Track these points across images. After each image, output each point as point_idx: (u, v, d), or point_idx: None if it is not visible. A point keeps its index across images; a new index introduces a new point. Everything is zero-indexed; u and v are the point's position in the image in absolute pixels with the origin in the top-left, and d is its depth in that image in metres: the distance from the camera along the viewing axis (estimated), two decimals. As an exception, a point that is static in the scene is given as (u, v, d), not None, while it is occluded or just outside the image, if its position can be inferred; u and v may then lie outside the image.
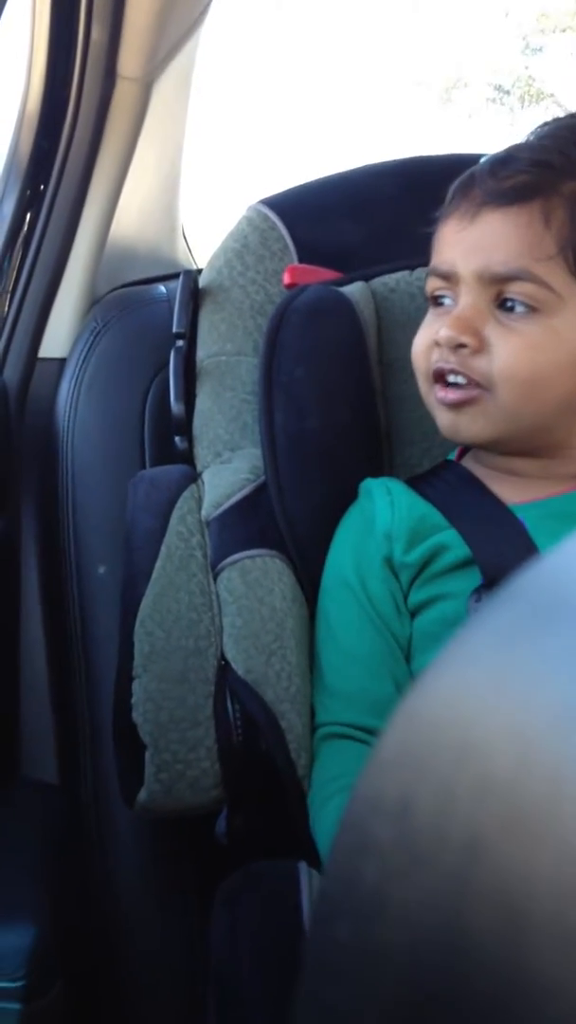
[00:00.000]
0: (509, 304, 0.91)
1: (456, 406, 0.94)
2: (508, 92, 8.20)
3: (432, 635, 0.94)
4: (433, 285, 0.97)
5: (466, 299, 0.93)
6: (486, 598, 0.91)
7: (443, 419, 0.96)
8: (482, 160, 0.97)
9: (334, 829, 0.87)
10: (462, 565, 0.94)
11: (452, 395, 0.94)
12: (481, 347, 0.92)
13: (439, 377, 0.95)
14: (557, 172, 0.91)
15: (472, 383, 0.93)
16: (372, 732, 0.93)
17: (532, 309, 0.91)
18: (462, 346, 0.92)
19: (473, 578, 0.93)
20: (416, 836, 0.25)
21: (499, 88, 8.16)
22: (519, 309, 0.91)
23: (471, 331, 0.92)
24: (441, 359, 0.94)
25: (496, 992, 0.21)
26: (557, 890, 0.21)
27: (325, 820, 0.91)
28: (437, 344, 0.94)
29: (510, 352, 0.91)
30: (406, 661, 0.95)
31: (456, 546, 0.95)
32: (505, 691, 0.25)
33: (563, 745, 0.23)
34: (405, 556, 0.95)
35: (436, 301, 0.97)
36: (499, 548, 0.93)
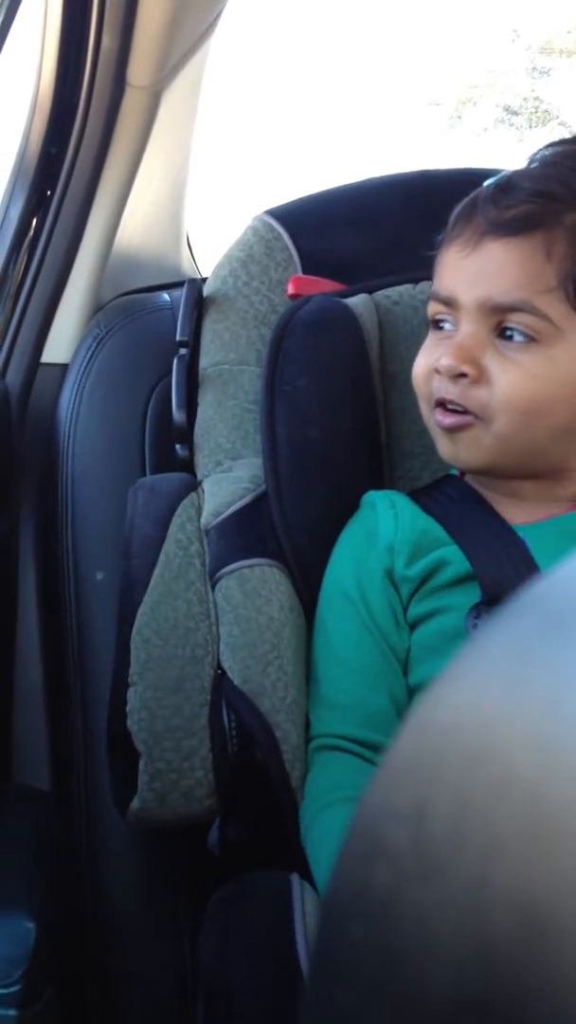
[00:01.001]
0: (508, 333, 0.92)
1: (453, 431, 0.94)
2: (517, 113, 8.27)
3: (430, 648, 0.94)
4: (434, 309, 0.97)
5: (467, 328, 0.93)
6: (485, 615, 0.91)
7: (443, 446, 0.97)
8: (485, 184, 0.97)
9: (325, 843, 0.87)
10: (462, 580, 0.94)
11: (449, 419, 0.94)
12: (480, 377, 0.92)
13: (439, 404, 0.95)
14: (559, 203, 0.92)
15: (470, 411, 0.93)
16: (366, 745, 0.93)
17: (531, 339, 0.91)
18: (462, 375, 0.92)
19: (472, 593, 0.93)
20: (431, 841, 0.25)
21: (508, 109, 8.24)
22: (518, 339, 0.91)
23: (471, 361, 0.92)
24: (442, 388, 0.94)
25: (516, 994, 0.21)
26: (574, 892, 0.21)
27: (317, 832, 0.91)
28: (437, 372, 0.94)
29: (509, 383, 0.91)
30: (403, 674, 0.95)
31: (457, 561, 0.95)
32: (523, 698, 0.25)
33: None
34: (406, 570, 0.95)
35: (436, 325, 0.98)
36: (500, 565, 0.94)
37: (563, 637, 0.27)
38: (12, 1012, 0.77)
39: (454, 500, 1.01)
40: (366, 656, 0.95)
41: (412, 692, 0.95)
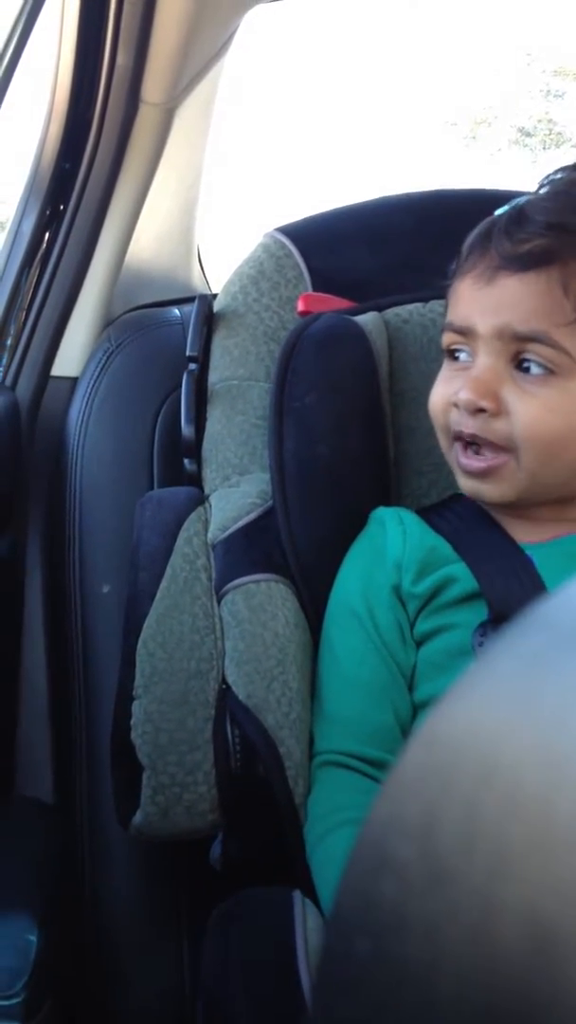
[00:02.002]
0: (526, 365, 0.91)
1: (480, 475, 0.94)
2: (531, 135, 8.33)
3: (437, 665, 0.94)
4: (449, 339, 0.97)
5: (484, 360, 0.93)
6: (491, 633, 0.91)
7: (465, 483, 0.97)
8: (496, 213, 0.97)
9: (331, 865, 0.87)
10: (469, 598, 0.94)
11: (476, 464, 0.94)
12: (500, 411, 0.92)
13: (458, 437, 0.95)
14: (573, 236, 0.92)
15: (495, 447, 0.93)
16: (369, 762, 0.93)
17: (549, 372, 0.91)
18: (481, 410, 0.92)
19: (479, 611, 0.93)
20: (439, 855, 0.25)
21: (522, 130, 8.29)
22: (535, 371, 0.91)
23: (490, 395, 0.92)
24: (461, 423, 0.94)
25: (525, 1010, 0.21)
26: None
27: (324, 852, 0.91)
28: (455, 405, 0.94)
29: (530, 415, 0.91)
30: (408, 691, 0.95)
31: (464, 579, 0.95)
32: (532, 713, 0.26)
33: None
34: (414, 587, 0.96)
35: (452, 355, 0.97)
36: (507, 584, 0.94)
37: (572, 653, 0.27)
38: None
39: (462, 519, 1.01)
40: (371, 672, 0.95)
41: (417, 709, 0.95)
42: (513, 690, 0.27)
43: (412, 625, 0.96)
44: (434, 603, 0.96)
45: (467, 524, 1.00)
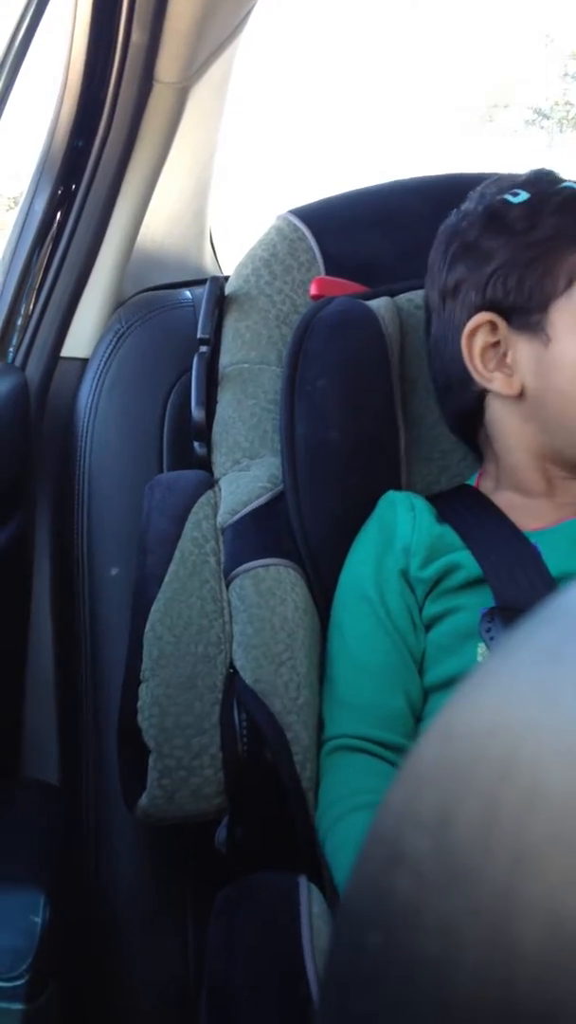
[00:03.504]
0: None
1: None
2: (547, 116, 8.29)
3: (444, 647, 0.94)
4: None
5: None
6: (498, 619, 0.91)
7: None
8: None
9: (347, 848, 0.87)
10: (473, 583, 0.95)
11: None
12: None
13: None
14: None
15: None
16: (383, 745, 0.93)
17: None
18: None
19: (484, 594, 0.93)
20: (456, 849, 0.25)
21: (539, 112, 8.25)
22: None
23: None
24: None
25: (546, 1008, 0.21)
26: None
27: (335, 840, 0.91)
28: None
29: None
30: (419, 675, 0.95)
31: (469, 565, 0.95)
32: (555, 707, 0.25)
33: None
34: (421, 571, 0.96)
35: None
36: (512, 570, 0.94)
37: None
38: (17, 1005, 0.77)
39: (469, 509, 1.01)
40: (383, 656, 0.95)
41: (428, 693, 0.95)
42: (532, 683, 0.27)
43: (421, 609, 0.96)
44: (440, 587, 0.96)
45: (474, 514, 1.00)
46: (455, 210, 1.06)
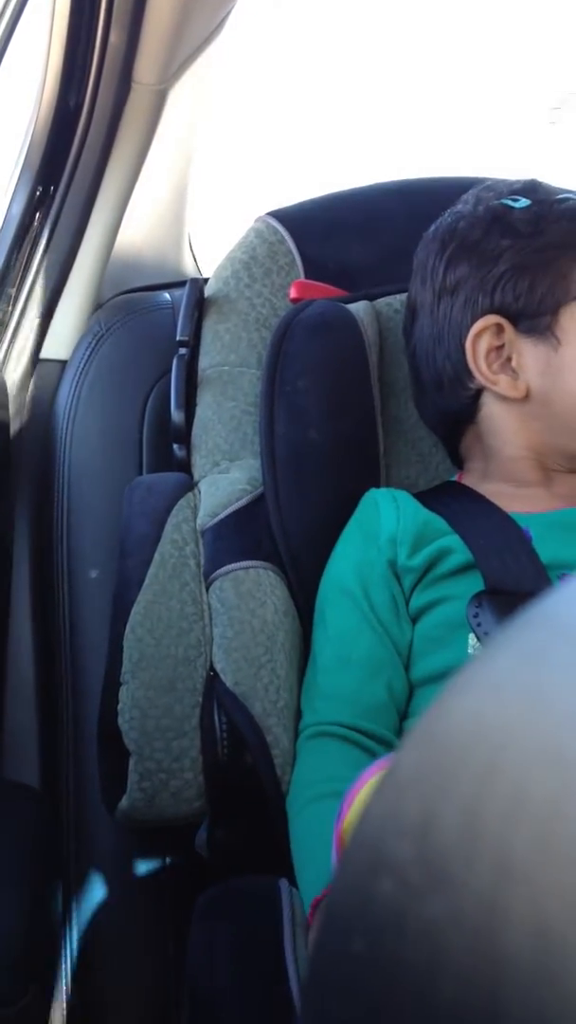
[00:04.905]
0: None
1: None
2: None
3: (433, 639, 0.94)
4: None
5: None
6: (487, 604, 0.91)
7: None
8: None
9: (312, 836, 0.87)
10: (464, 569, 0.95)
11: None
12: None
13: None
14: None
15: None
16: (363, 733, 0.92)
17: None
18: None
19: (475, 582, 0.93)
20: (439, 855, 0.25)
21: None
22: None
23: None
24: None
25: (530, 1015, 0.21)
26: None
27: (303, 823, 0.90)
28: None
29: None
30: (405, 668, 0.95)
31: (459, 550, 0.95)
32: (538, 710, 0.25)
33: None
34: (409, 560, 0.96)
35: None
36: (501, 554, 0.94)
37: (576, 652, 0.27)
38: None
39: (456, 498, 1.02)
40: (366, 648, 0.95)
41: (415, 687, 0.95)
42: (516, 687, 0.27)
43: (408, 600, 0.96)
44: (429, 576, 0.96)
45: (460, 502, 1.01)
46: (448, 211, 1.06)
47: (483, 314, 1.00)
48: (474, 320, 1.01)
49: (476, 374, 1.01)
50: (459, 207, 1.06)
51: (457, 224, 1.04)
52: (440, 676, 0.93)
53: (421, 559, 0.96)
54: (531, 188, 1.04)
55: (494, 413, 1.03)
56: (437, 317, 1.04)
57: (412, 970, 0.25)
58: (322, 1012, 0.28)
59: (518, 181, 1.06)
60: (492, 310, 1.00)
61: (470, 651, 0.92)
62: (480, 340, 1.00)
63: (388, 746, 0.93)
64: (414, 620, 0.96)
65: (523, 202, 1.02)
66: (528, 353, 1.00)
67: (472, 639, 0.91)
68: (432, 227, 1.07)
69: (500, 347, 1.01)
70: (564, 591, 0.30)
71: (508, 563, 0.93)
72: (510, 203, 1.02)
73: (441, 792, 0.26)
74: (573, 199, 1.03)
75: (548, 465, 1.02)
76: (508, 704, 0.27)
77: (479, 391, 1.03)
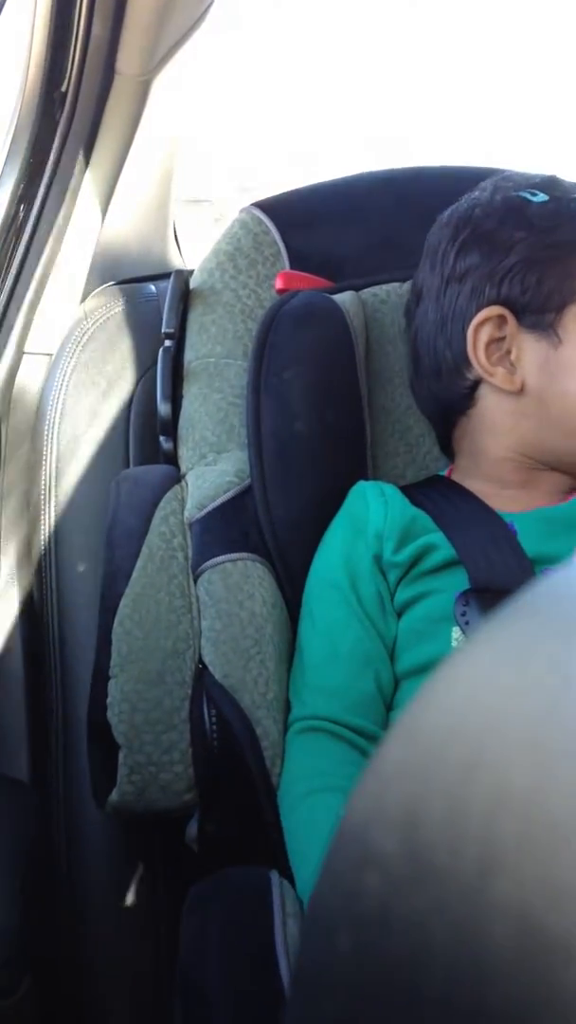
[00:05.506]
0: None
1: None
2: None
3: (418, 632, 0.95)
4: None
5: None
6: (473, 602, 0.91)
7: None
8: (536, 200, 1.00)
9: (307, 830, 0.87)
10: (448, 565, 0.95)
11: None
12: None
13: None
14: None
15: None
16: (353, 729, 0.93)
17: None
18: None
19: (459, 577, 0.94)
20: (424, 849, 0.25)
21: None
22: None
23: None
24: None
25: (516, 1008, 0.21)
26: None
27: (297, 819, 0.90)
28: None
29: None
30: (391, 661, 0.96)
31: (443, 547, 0.96)
32: (522, 705, 0.25)
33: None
34: (395, 555, 0.96)
35: None
36: (486, 551, 0.94)
37: (562, 641, 0.27)
38: None
39: (443, 494, 1.02)
40: (354, 641, 0.95)
41: (399, 680, 0.95)
42: (501, 681, 0.27)
43: (393, 595, 0.97)
44: (414, 571, 0.96)
45: (447, 498, 1.01)
46: (464, 197, 1.06)
47: (488, 304, 1.00)
48: (479, 309, 1.01)
49: (474, 363, 1.01)
50: (476, 194, 1.05)
51: (473, 211, 1.03)
52: (424, 669, 0.93)
53: (406, 555, 0.96)
54: (551, 184, 1.03)
55: (489, 407, 1.03)
56: (443, 303, 1.04)
57: (398, 964, 0.25)
58: (310, 1005, 0.28)
59: (537, 175, 1.05)
60: (498, 301, 1.00)
61: (454, 644, 0.92)
62: (482, 330, 1.00)
63: (376, 741, 0.93)
64: (399, 614, 0.97)
65: (541, 197, 1.01)
66: (528, 348, 1.00)
67: (456, 632, 0.92)
68: (447, 211, 1.06)
69: (501, 339, 1.00)
70: (546, 585, 0.30)
71: (493, 559, 0.94)
72: (528, 196, 1.01)
73: (425, 786, 0.26)
74: None
75: (529, 465, 1.02)
76: (490, 697, 0.27)
77: (476, 382, 1.03)
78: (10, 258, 1.15)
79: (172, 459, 1.10)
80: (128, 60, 1.14)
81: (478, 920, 0.23)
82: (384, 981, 0.25)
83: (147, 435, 1.13)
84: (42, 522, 1.13)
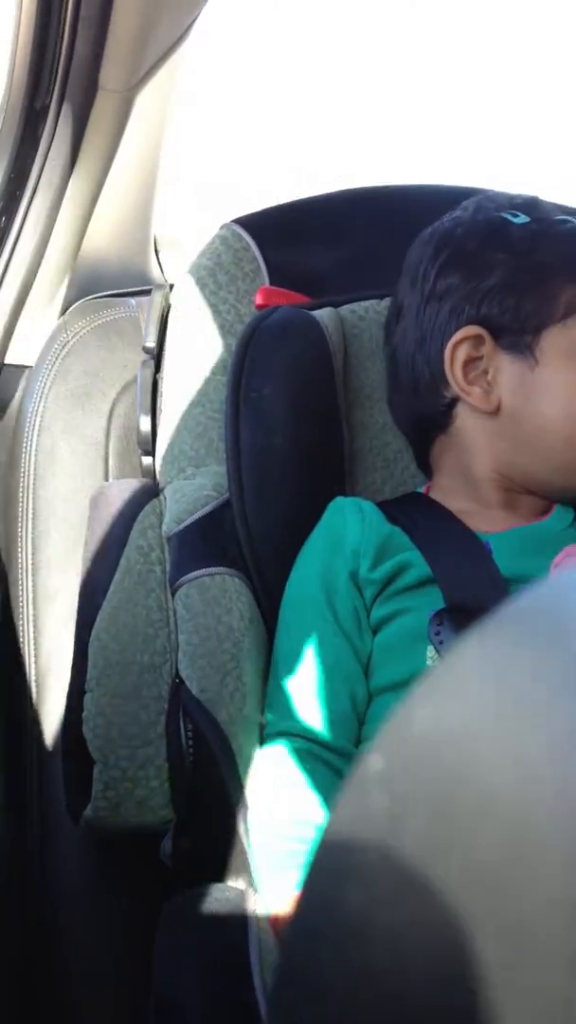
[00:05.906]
0: None
1: None
2: None
3: (392, 648, 0.95)
4: None
5: None
6: (447, 621, 0.92)
7: None
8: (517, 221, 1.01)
9: (276, 874, 0.87)
10: (424, 583, 0.95)
11: None
12: None
13: None
14: None
15: None
16: (326, 747, 0.93)
17: None
18: None
19: (434, 595, 0.94)
20: (407, 860, 0.25)
21: None
22: None
23: None
24: None
25: (499, 1017, 0.21)
26: (565, 912, 0.21)
27: (270, 860, 0.90)
28: None
29: None
30: (365, 677, 0.96)
31: (419, 565, 0.96)
32: (505, 716, 0.25)
33: (569, 768, 0.23)
34: (371, 572, 0.96)
35: None
36: (461, 569, 0.95)
37: (547, 652, 0.27)
38: None
39: (420, 512, 1.02)
40: (330, 659, 0.95)
41: (372, 696, 0.95)
42: (483, 692, 0.27)
43: (368, 612, 0.97)
44: (390, 588, 0.96)
45: (424, 516, 1.01)
46: (446, 215, 1.07)
47: (467, 323, 1.01)
48: (458, 328, 1.01)
49: (451, 382, 1.02)
50: (458, 213, 1.06)
51: (454, 231, 1.04)
52: (398, 686, 0.93)
53: (382, 572, 0.96)
54: (532, 205, 1.04)
55: (466, 426, 1.03)
56: (422, 321, 1.04)
57: (378, 976, 0.25)
58: (291, 1017, 0.28)
59: (520, 196, 1.06)
60: (476, 321, 1.01)
61: (428, 663, 0.92)
62: (460, 349, 1.01)
63: (349, 759, 0.93)
64: (374, 631, 0.97)
65: (522, 218, 1.02)
66: (505, 368, 1.00)
67: (430, 651, 0.92)
68: (429, 230, 1.07)
69: (479, 358, 1.01)
70: (525, 600, 0.30)
71: (468, 578, 0.94)
72: (509, 217, 1.02)
73: (407, 796, 0.26)
74: (572, 222, 1.03)
75: (507, 487, 1.02)
76: (474, 709, 0.27)
77: (454, 400, 1.03)
78: (-10, 270, 1.15)
79: (151, 473, 1.10)
80: (111, 75, 1.15)
81: (461, 932, 0.23)
82: (363, 993, 0.25)
83: (125, 449, 1.13)
84: (19, 535, 1.13)
